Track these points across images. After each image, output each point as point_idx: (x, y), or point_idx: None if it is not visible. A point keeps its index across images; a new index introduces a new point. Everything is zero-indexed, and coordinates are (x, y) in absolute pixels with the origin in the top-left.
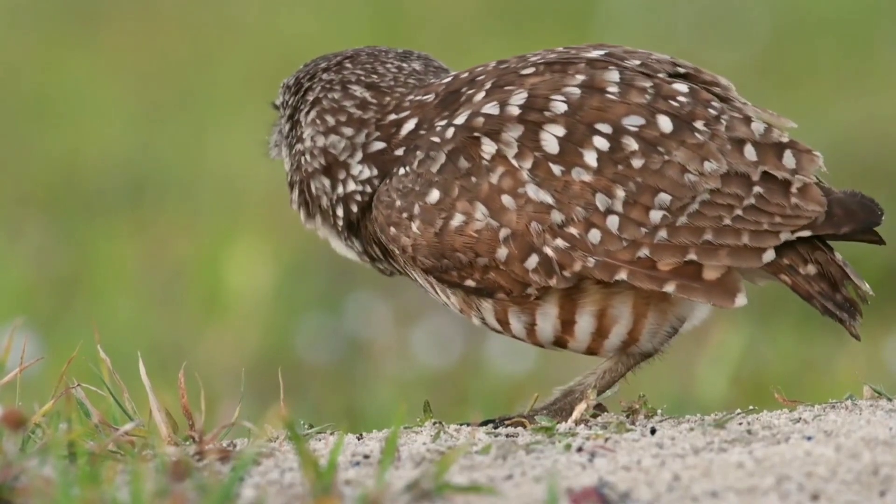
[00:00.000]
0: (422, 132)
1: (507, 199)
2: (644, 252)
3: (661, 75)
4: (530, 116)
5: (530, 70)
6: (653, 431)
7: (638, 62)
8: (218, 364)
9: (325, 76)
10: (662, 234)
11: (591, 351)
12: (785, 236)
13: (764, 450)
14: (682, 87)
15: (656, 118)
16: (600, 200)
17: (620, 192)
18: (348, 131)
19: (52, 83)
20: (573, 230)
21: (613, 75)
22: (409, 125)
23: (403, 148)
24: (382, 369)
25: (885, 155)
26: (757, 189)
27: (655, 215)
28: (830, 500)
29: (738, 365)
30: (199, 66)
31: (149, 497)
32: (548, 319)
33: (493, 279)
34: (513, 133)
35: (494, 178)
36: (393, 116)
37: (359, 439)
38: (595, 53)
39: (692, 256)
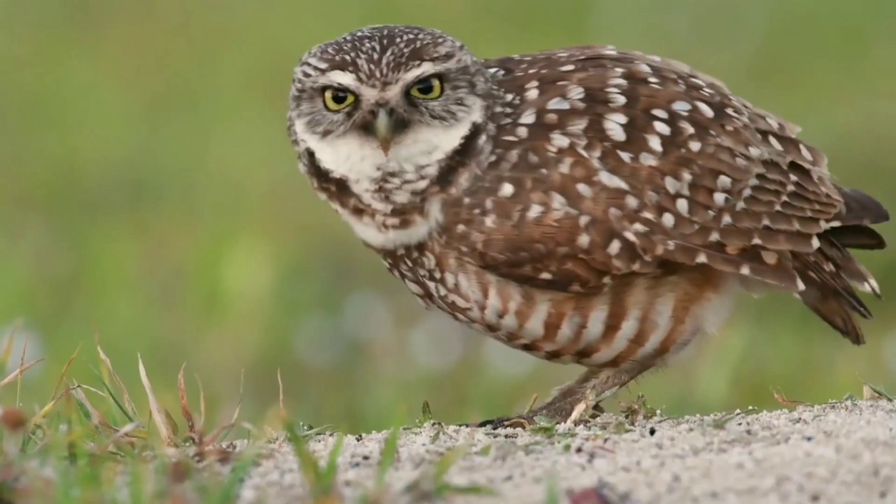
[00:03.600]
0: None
1: (582, 187)
2: (715, 236)
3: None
4: (594, 108)
5: (570, 67)
6: (652, 432)
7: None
8: (218, 365)
9: None
10: (727, 218)
11: (620, 358)
12: (823, 224)
13: (764, 450)
14: (700, 80)
15: (697, 104)
16: (670, 184)
17: (687, 175)
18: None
19: (52, 83)
20: (648, 214)
21: (645, 67)
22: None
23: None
24: (382, 370)
25: (883, 155)
26: (793, 177)
27: (719, 198)
28: (830, 501)
29: (737, 365)
30: (198, 67)
31: (149, 498)
32: (597, 323)
33: (569, 269)
34: (580, 125)
35: (566, 169)
36: None
37: (358, 440)
38: (609, 51)
39: (756, 241)
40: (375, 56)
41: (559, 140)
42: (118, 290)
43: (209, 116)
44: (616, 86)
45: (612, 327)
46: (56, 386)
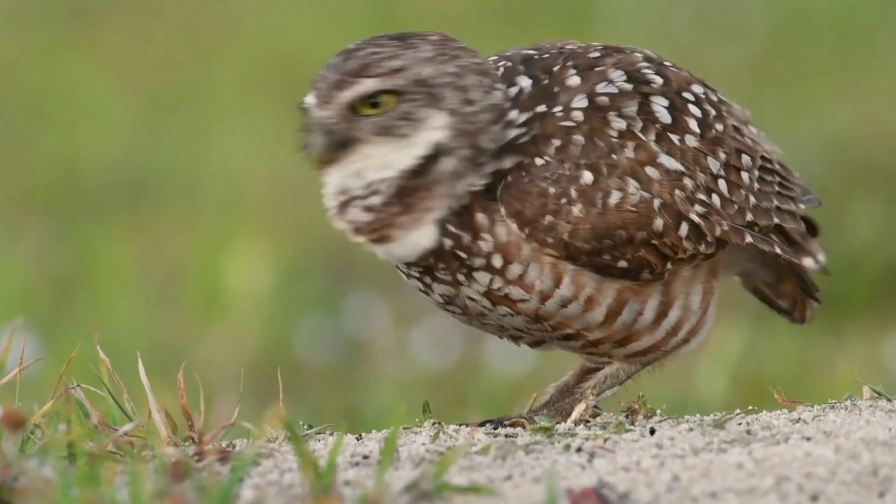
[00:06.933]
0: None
1: (650, 171)
2: (749, 216)
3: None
4: (642, 90)
5: (597, 53)
6: (652, 432)
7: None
8: (217, 364)
9: None
10: (752, 198)
11: (654, 348)
12: (802, 206)
13: (763, 450)
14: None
15: (706, 87)
16: (712, 164)
17: (722, 155)
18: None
19: (52, 83)
20: (702, 196)
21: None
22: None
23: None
24: (382, 370)
25: (883, 155)
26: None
27: (745, 177)
28: (830, 501)
29: (737, 365)
30: (198, 66)
31: (148, 498)
32: (650, 310)
33: (642, 257)
34: (632, 108)
35: (630, 153)
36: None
37: (358, 440)
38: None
39: (776, 220)
40: (328, 74)
41: (617, 123)
42: (118, 290)
43: (209, 116)
44: (647, 68)
45: (661, 314)
46: (55, 385)
